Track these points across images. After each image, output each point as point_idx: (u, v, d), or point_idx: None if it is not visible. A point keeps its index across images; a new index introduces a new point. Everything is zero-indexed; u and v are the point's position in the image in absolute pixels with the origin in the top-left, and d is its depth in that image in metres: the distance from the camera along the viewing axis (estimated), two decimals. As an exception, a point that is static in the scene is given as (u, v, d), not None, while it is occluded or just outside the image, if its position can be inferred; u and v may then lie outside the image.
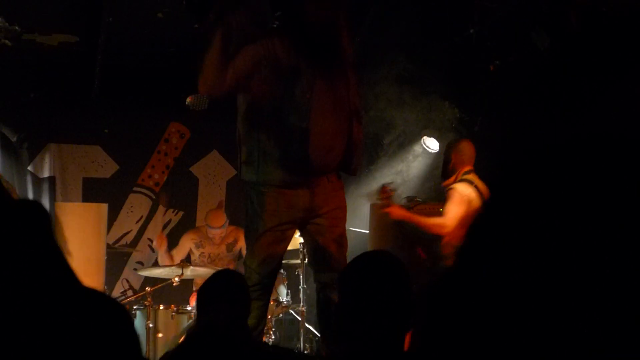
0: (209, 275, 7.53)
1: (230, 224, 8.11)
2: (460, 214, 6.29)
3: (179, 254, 8.05)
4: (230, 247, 8.07)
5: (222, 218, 8.07)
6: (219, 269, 7.61)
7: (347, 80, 4.84)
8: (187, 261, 7.78)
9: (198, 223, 8.97)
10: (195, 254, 8.06)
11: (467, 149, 6.58)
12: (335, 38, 4.74)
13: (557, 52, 6.49)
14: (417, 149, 8.42)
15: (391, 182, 6.68)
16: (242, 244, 7.83)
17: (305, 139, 4.60)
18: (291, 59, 4.64)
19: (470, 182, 6.39)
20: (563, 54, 6.49)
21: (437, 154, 8.04)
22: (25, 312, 1.34)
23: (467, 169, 6.48)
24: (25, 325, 1.34)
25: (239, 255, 7.97)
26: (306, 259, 6.55)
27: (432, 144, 8.16)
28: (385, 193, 6.28)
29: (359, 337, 2.75)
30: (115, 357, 1.43)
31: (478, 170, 6.50)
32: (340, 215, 4.97)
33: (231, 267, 7.96)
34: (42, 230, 1.43)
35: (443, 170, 6.67)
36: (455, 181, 6.44)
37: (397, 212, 6.35)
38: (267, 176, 4.74)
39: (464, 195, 6.31)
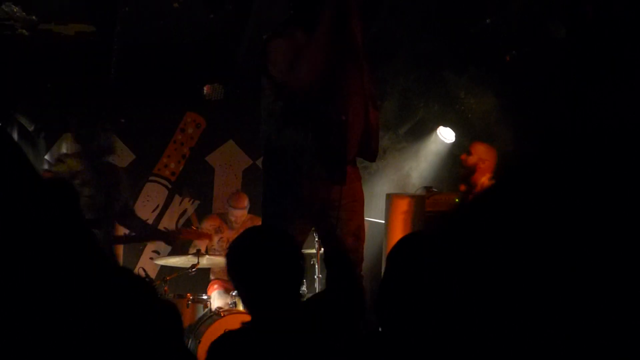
0: (224, 263, 7.64)
1: (251, 214, 8.18)
2: None
3: (205, 234, 8.15)
4: None
5: (245, 199, 8.19)
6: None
7: (360, 66, 4.81)
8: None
9: (213, 212, 9.00)
10: (214, 239, 8.11)
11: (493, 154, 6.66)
12: (346, 24, 4.71)
13: (573, 42, 6.47)
14: (432, 139, 8.41)
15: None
16: None
17: (344, 133, 4.59)
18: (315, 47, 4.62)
19: None
20: (579, 44, 6.46)
21: (453, 144, 8.03)
22: (56, 284, 1.36)
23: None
24: (56, 298, 1.36)
25: None
26: (322, 249, 6.56)
27: (447, 134, 8.14)
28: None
29: (402, 320, 2.76)
30: (142, 327, 1.46)
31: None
32: (356, 207, 4.91)
33: None
34: (71, 206, 1.46)
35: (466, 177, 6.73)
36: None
37: None
38: (294, 165, 4.71)
39: None
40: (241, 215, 8.14)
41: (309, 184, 4.70)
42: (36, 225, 1.38)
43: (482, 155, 6.66)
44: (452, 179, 7.81)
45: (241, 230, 8.00)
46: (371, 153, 4.94)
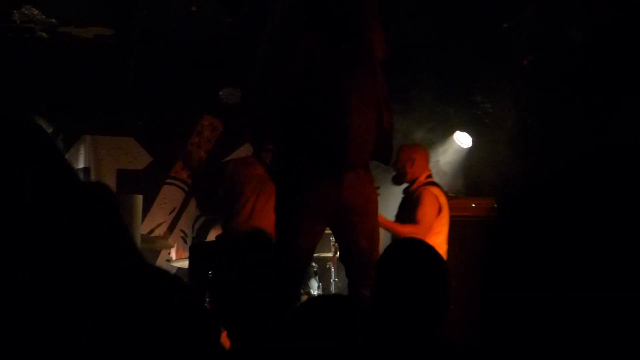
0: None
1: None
2: (433, 218, 6.38)
3: None
4: None
5: None
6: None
7: (372, 68, 4.81)
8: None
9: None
10: None
11: (426, 154, 6.81)
12: (358, 26, 4.72)
13: (590, 47, 6.45)
14: (449, 143, 8.41)
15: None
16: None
17: (345, 134, 4.60)
18: (319, 53, 4.64)
19: (439, 186, 6.48)
20: (597, 48, 6.45)
21: (470, 149, 8.03)
22: (95, 283, 1.38)
23: (429, 172, 6.62)
24: (94, 297, 1.38)
25: None
26: (337, 253, 6.57)
27: (464, 139, 8.14)
28: None
29: (395, 325, 2.76)
30: (177, 327, 1.47)
31: (510, 163, 6.51)
32: (370, 210, 4.91)
33: None
34: (111, 209, 1.48)
35: (398, 175, 6.75)
36: (423, 184, 6.51)
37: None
38: (300, 166, 4.72)
39: (437, 197, 6.41)
40: None
41: (317, 185, 4.71)
42: (75, 226, 1.40)
43: (411, 155, 6.71)
44: (469, 183, 7.81)
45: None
46: (385, 156, 4.94)
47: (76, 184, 1.48)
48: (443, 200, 6.51)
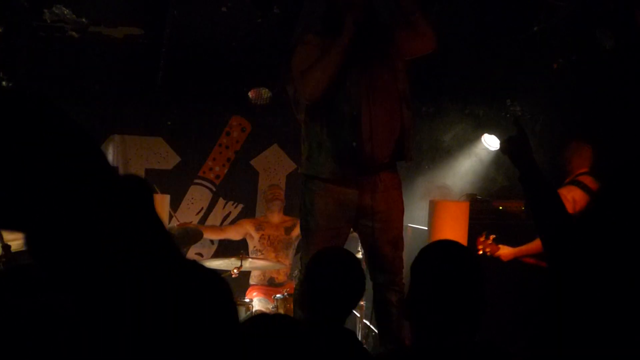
0: (265, 268, 7.67)
1: (290, 216, 8.20)
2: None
3: (231, 230, 8.20)
4: (288, 231, 8.15)
5: (278, 188, 8.48)
6: (278, 259, 7.70)
7: (393, 66, 4.80)
8: (245, 248, 7.87)
9: (257, 216, 9.03)
10: (255, 238, 8.13)
11: (585, 151, 6.58)
12: (376, 23, 4.71)
13: (621, 52, 6.41)
14: (477, 146, 8.38)
15: (488, 233, 6.63)
16: (298, 232, 7.91)
17: (356, 128, 4.58)
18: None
19: (578, 183, 6.37)
20: (628, 53, 6.41)
21: (498, 151, 7.99)
22: (131, 277, 1.39)
23: (582, 170, 6.47)
24: (131, 290, 1.39)
25: (296, 242, 8.05)
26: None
27: (492, 142, 8.11)
28: (484, 243, 6.35)
29: (430, 326, 2.76)
30: (211, 323, 1.48)
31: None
32: (393, 216, 4.87)
33: (289, 251, 8.04)
34: (146, 202, 1.49)
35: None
36: (565, 184, 6.45)
37: (507, 253, 6.42)
38: (319, 168, 4.72)
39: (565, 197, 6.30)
40: (279, 202, 8.23)
41: (337, 187, 4.71)
42: (117, 218, 1.41)
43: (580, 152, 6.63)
44: (496, 186, 7.77)
45: (281, 228, 8.05)
46: (405, 153, 4.91)
47: (111, 174, 1.49)
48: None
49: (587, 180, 6.36)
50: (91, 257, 1.35)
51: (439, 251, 2.95)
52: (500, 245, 6.47)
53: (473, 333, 2.73)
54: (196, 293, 1.46)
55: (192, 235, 7.56)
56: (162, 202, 7.35)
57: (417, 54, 4.89)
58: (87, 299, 1.36)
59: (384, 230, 4.82)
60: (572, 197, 6.21)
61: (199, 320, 1.43)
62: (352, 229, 5.11)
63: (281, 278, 8.02)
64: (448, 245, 3.04)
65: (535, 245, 6.32)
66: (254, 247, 8.07)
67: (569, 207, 6.16)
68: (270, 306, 7.25)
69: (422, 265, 2.91)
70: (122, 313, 1.36)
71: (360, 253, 7.07)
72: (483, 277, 2.80)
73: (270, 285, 7.92)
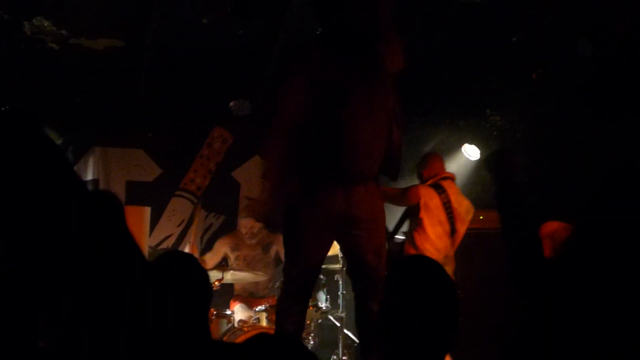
0: (248, 280, 7.65)
1: (270, 229, 8.14)
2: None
3: (213, 259, 8.11)
4: (265, 249, 8.11)
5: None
6: (259, 273, 7.67)
7: (386, 85, 4.81)
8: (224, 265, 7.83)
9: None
10: (232, 258, 8.09)
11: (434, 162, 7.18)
12: (373, 41, 4.72)
13: (600, 61, 6.46)
14: (458, 156, 8.41)
15: None
16: (277, 248, 7.88)
17: (339, 149, 4.59)
18: (327, 69, 4.64)
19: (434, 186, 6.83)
20: (606, 63, 6.45)
21: (478, 161, 8.03)
22: (102, 290, 1.40)
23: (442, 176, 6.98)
24: (103, 300, 1.40)
25: (277, 259, 8.00)
26: (345, 266, 6.56)
27: (472, 152, 8.14)
28: None
29: (403, 341, 2.76)
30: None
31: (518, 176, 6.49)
32: (377, 225, 4.87)
33: (269, 270, 8.00)
34: (116, 217, 1.49)
35: None
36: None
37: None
38: (306, 179, 4.72)
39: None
40: (250, 225, 8.13)
41: (323, 198, 4.71)
42: (86, 232, 1.42)
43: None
44: (477, 197, 7.80)
45: (258, 248, 8.02)
46: (393, 171, 4.92)
47: (82, 190, 1.50)
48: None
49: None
50: (58, 263, 1.36)
51: (411, 268, 2.96)
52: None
53: (445, 351, 2.74)
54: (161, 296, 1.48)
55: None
56: (143, 215, 7.33)
57: (390, 71, 4.90)
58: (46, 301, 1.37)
59: (368, 239, 4.81)
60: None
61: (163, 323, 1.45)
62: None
63: (261, 292, 7.98)
64: (420, 261, 3.05)
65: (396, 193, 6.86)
66: (231, 265, 8.02)
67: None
68: (252, 315, 7.24)
69: (394, 282, 2.92)
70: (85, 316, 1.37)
71: (340, 263, 7.10)
72: (455, 294, 2.81)
73: (252, 297, 7.88)
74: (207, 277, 3.25)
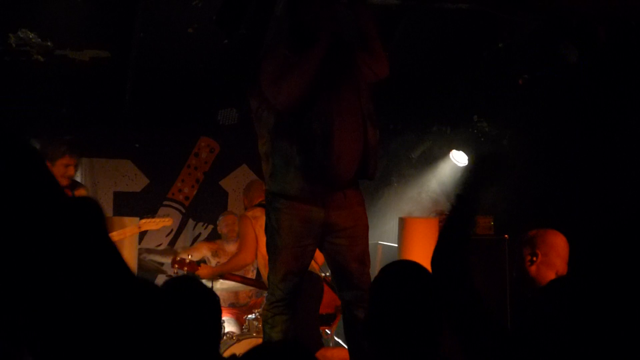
0: (235, 290, 7.62)
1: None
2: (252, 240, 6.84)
3: (191, 252, 8.10)
4: None
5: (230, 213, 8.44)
6: (249, 278, 7.65)
7: (356, 84, 4.80)
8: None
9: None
10: (212, 263, 8.06)
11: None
12: (336, 39, 4.71)
13: (585, 66, 6.48)
14: (445, 162, 8.42)
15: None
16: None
17: (327, 146, 4.57)
18: None
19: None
20: (591, 68, 6.48)
21: (466, 167, 8.03)
22: (82, 301, 1.39)
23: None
24: (82, 312, 1.39)
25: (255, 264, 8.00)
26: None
27: (460, 158, 8.15)
28: (182, 263, 6.93)
29: (389, 347, 2.77)
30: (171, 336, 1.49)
31: (505, 184, 6.50)
32: (359, 232, 4.84)
33: (249, 276, 7.98)
34: (97, 224, 1.49)
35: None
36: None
37: (206, 272, 6.94)
38: (286, 185, 4.68)
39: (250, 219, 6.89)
40: (232, 222, 8.18)
41: (304, 205, 4.69)
42: (65, 240, 1.41)
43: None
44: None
45: (237, 241, 8.03)
46: (369, 171, 4.88)
47: (60, 197, 1.49)
48: None
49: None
50: (33, 272, 1.36)
51: (397, 272, 2.96)
52: (201, 265, 7.00)
53: (432, 354, 2.74)
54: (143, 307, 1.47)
55: None
56: (131, 225, 7.30)
57: (371, 79, 4.89)
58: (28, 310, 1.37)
59: (351, 247, 4.79)
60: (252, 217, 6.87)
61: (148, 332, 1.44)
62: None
63: (242, 300, 7.95)
64: (406, 265, 3.06)
65: (232, 263, 6.99)
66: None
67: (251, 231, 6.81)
68: (242, 327, 7.21)
69: (380, 286, 2.93)
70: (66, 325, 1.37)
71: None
72: (441, 298, 2.82)
73: (233, 308, 7.84)
74: (218, 305, 3.21)
